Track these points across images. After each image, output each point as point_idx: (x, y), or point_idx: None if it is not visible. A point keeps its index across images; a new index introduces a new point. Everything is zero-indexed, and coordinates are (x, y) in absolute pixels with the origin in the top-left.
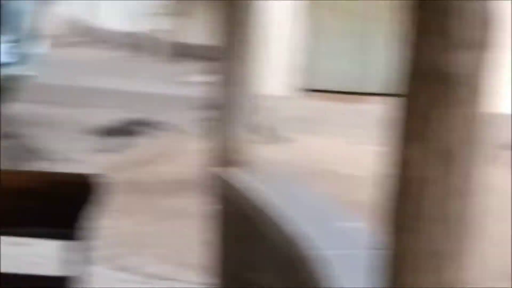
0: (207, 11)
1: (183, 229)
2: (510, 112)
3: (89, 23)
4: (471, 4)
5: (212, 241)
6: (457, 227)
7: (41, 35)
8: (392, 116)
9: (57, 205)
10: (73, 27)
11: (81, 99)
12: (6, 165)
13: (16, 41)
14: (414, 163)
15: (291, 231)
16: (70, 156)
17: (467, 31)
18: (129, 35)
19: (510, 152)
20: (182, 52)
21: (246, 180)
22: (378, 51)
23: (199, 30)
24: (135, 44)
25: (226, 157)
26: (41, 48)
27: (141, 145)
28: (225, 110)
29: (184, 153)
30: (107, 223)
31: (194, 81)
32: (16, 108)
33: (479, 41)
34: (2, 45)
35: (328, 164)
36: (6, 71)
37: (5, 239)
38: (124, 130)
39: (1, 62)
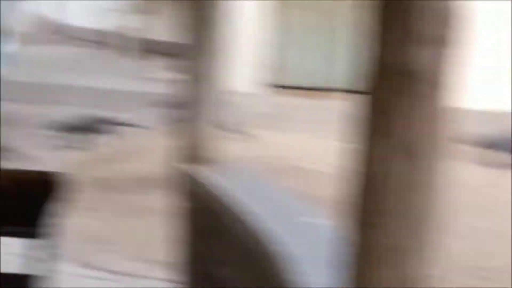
0: (174, 9)
1: (150, 226)
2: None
3: (58, 20)
4: (433, 2)
5: (179, 238)
6: (420, 222)
7: (9, 33)
8: (356, 112)
9: (20, 203)
10: (42, 25)
11: (48, 96)
12: None
13: None
14: (377, 159)
15: (257, 227)
16: (33, 153)
17: (429, 28)
18: (97, 32)
19: (476, 147)
20: (150, 49)
21: (212, 176)
22: (346, 47)
23: (166, 27)
24: (103, 41)
25: (192, 153)
26: (9, 46)
27: (107, 142)
28: (192, 107)
29: (151, 150)
30: (73, 220)
31: (161, 78)
32: None
33: (440, 38)
34: None
35: (295, 160)
36: None
37: None
38: (89, 127)
39: None
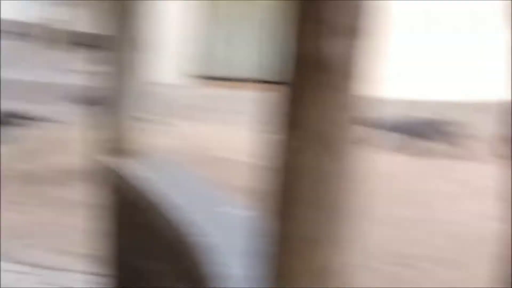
0: None
1: (73, 219)
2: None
3: None
4: None
5: (102, 231)
6: (336, 211)
7: None
8: (274, 103)
9: None
10: None
11: None
12: None
13: None
14: (292, 149)
15: (178, 218)
16: None
17: (342, 18)
18: (21, 24)
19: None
20: (75, 40)
21: (135, 168)
22: (273, 38)
23: (90, 18)
24: (27, 33)
25: (115, 146)
26: None
27: (26, 135)
28: (115, 99)
29: (73, 143)
30: None
31: (85, 70)
32: None
33: (354, 28)
34: None
35: (218, 151)
36: None
37: None
38: (7, 120)
39: None
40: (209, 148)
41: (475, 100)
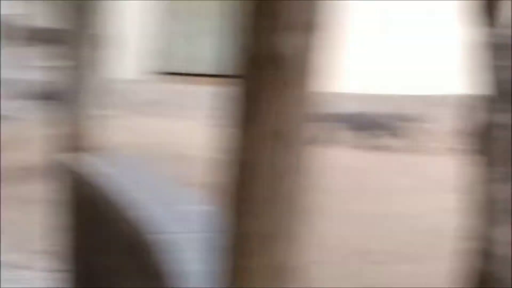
0: None
1: (31, 216)
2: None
3: None
4: None
5: (61, 227)
6: (292, 208)
7: None
8: (231, 98)
9: None
10: None
11: None
12: None
13: None
14: (248, 146)
15: (138, 215)
16: None
17: (295, 13)
18: None
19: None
20: (32, 36)
21: (94, 164)
22: (233, 33)
23: (49, 14)
24: None
25: (74, 142)
26: None
27: None
28: (74, 95)
29: (31, 140)
30: None
31: (43, 66)
32: None
33: (309, 24)
34: None
35: (178, 146)
36: None
37: None
38: None
39: None
40: (169, 143)
41: (432, 95)
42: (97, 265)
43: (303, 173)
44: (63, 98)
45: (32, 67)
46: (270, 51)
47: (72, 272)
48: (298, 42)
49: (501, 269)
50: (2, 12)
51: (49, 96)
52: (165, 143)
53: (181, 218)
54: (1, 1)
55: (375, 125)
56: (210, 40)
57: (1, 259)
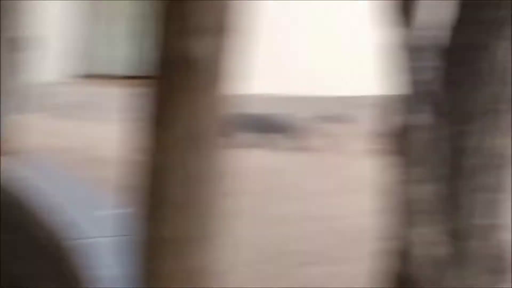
0: None
1: None
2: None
3: None
4: None
5: None
6: (206, 211)
7: None
8: (147, 101)
9: None
10: None
11: None
12: None
13: None
14: (160, 149)
15: (55, 219)
16: None
17: (206, 16)
18: None
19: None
20: None
21: (13, 168)
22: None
23: None
24: None
25: None
26: None
27: None
28: None
29: None
30: None
31: None
32: None
33: (219, 27)
34: None
35: (98, 150)
36: None
37: None
38: None
39: None
40: (88, 147)
41: (351, 96)
42: (13, 272)
43: (218, 176)
44: None
45: None
46: (181, 54)
47: None
48: (209, 44)
49: (418, 270)
50: None
51: None
52: (85, 146)
53: (99, 222)
54: None
55: (290, 127)
56: (131, 42)
57: None
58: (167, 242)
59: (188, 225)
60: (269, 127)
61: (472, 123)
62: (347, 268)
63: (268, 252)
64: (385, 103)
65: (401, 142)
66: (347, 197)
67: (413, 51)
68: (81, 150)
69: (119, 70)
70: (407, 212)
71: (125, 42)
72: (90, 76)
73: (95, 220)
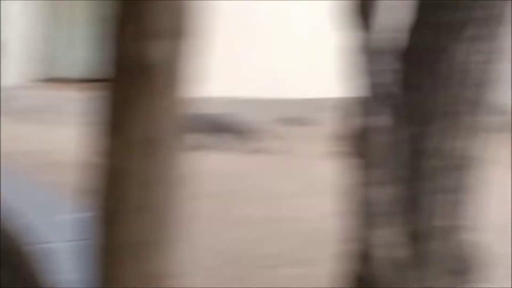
0: None
1: None
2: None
3: None
4: None
5: None
6: (161, 216)
7: None
8: (105, 105)
9: None
10: None
11: None
12: None
13: None
14: (117, 153)
15: (13, 223)
16: None
17: (163, 20)
18: None
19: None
20: None
21: None
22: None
23: None
24: None
25: None
26: None
27: None
28: None
29: None
30: None
31: None
32: None
33: (176, 31)
34: None
35: (59, 153)
36: None
37: None
38: None
39: None
40: (49, 150)
41: (311, 98)
42: None
43: (176, 180)
44: None
45: None
46: (137, 57)
47: None
48: (165, 48)
49: (379, 272)
50: None
51: None
52: (45, 150)
53: (58, 227)
54: None
55: (249, 129)
56: (91, 46)
57: None
58: (125, 246)
59: (146, 229)
60: (228, 129)
61: (432, 125)
62: (310, 270)
63: (231, 255)
64: (345, 106)
65: (361, 144)
66: (309, 199)
67: (372, 54)
68: (41, 154)
69: (80, 73)
70: (368, 214)
71: (85, 46)
72: (51, 80)
73: (54, 224)
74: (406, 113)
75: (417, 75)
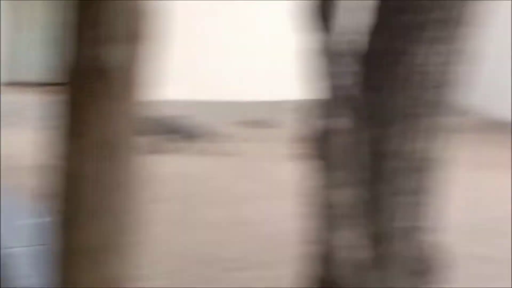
0: None
1: None
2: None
3: None
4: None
5: None
6: (120, 220)
7: None
8: (62, 109)
9: None
10: None
11: None
12: None
13: None
14: (75, 157)
15: None
16: None
17: (119, 24)
18: None
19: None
20: None
21: None
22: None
23: None
24: None
25: None
26: None
27: None
28: None
29: None
30: None
31: None
32: None
33: (132, 34)
34: None
35: (20, 158)
36: None
37: None
38: None
39: None
40: (9, 154)
41: (274, 101)
42: None
43: (134, 183)
44: None
45: None
46: (95, 62)
47: None
48: (122, 52)
49: (340, 273)
50: None
51: None
52: (5, 154)
53: (18, 232)
54: None
55: (206, 132)
56: (51, 50)
57: None
58: (85, 250)
59: (105, 233)
60: (184, 132)
61: (392, 127)
62: (272, 272)
63: (193, 258)
64: (306, 108)
65: (322, 147)
66: (271, 201)
67: (332, 56)
68: (1, 158)
69: (39, 77)
70: (329, 216)
71: (45, 50)
72: (11, 84)
73: (14, 229)
74: (367, 115)
75: (377, 77)
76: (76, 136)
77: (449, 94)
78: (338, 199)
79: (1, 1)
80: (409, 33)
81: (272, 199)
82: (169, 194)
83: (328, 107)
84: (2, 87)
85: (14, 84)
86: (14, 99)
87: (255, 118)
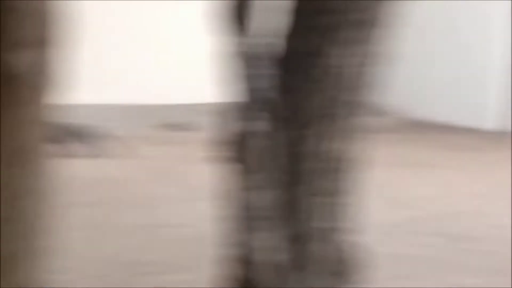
0: None
1: None
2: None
3: None
4: (29, 3)
5: None
6: (32, 226)
7: None
8: None
9: None
10: None
11: None
12: None
13: None
14: None
15: None
16: None
17: (27, 30)
18: None
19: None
20: None
21: None
22: None
23: None
24: None
25: None
26: None
27: None
28: None
29: None
30: None
31: None
32: None
33: (39, 39)
34: None
35: None
36: None
37: None
38: None
39: None
40: None
41: (191, 104)
42: None
43: (46, 189)
44: None
45: None
46: (2, 68)
47: None
48: (30, 58)
49: (260, 276)
50: None
51: None
52: None
53: None
54: None
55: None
56: None
57: None
58: None
59: (16, 241)
60: (99, 137)
61: (309, 128)
62: (193, 275)
63: (113, 262)
64: (223, 111)
65: (239, 149)
66: (189, 204)
67: (248, 59)
68: None
69: None
70: (247, 218)
71: None
72: None
73: None
74: (284, 117)
75: (293, 79)
76: None
77: (365, 95)
78: (256, 201)
79: None
80: (324, 35)
81: (190, 202)
82: (86, 199)
83: (245, 110)
84: None
85: None
86: None
87: (172, 121)
